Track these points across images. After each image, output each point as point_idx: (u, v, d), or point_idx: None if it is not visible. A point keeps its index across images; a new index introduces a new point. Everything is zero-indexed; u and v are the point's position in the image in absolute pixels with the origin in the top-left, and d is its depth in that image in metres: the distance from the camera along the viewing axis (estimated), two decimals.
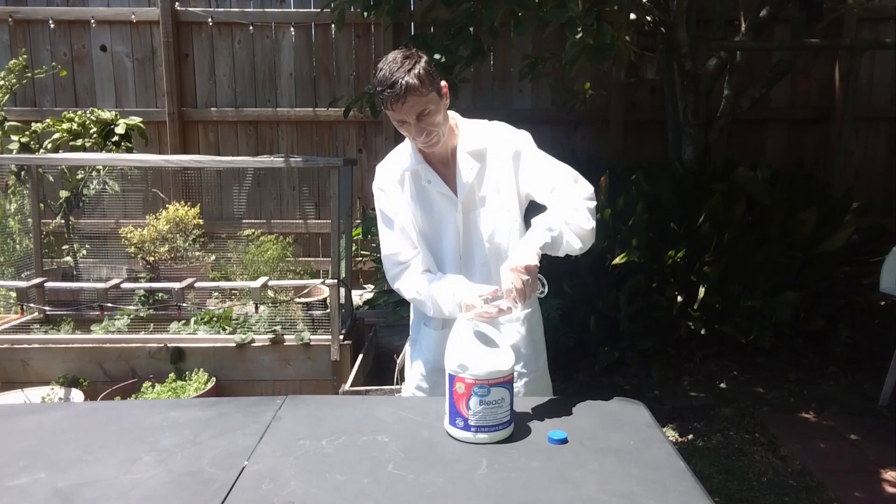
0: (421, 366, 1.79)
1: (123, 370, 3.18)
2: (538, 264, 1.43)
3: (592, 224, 1.58)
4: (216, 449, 1.31)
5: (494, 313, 1.46)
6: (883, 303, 4.04)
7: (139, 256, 3.97)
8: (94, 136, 3.96)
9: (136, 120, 4.12)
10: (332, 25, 4.81)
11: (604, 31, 2.69)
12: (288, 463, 1.25)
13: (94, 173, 4.03)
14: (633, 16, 4.10)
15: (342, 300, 3.28)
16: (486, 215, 1.65)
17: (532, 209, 1.68)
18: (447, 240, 1.69)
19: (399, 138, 1.58)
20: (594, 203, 1.62)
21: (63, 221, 4.03)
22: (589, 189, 1.63)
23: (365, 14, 3.61)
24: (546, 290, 1.48)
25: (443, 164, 1.67)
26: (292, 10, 5.18)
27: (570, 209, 1.56)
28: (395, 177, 1.70)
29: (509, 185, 1.65)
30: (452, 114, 1.66)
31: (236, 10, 5.14)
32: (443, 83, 1.56)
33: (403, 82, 1.46)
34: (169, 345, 3.18)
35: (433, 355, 1.74)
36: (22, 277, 3.68)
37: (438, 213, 1.68)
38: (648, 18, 4.16)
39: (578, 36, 2.67)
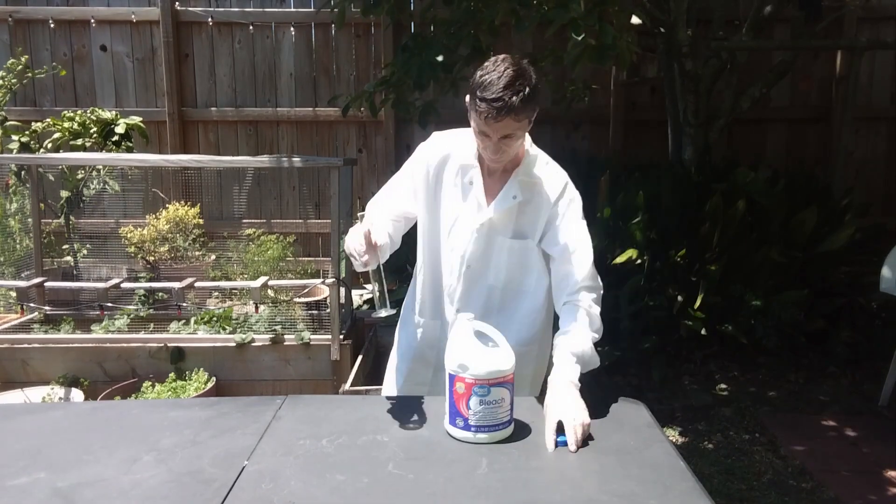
0: (397, 356, 1.85)
1: (123, 370, 3.18)
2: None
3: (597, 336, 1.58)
4: (216, 449, 1.31)
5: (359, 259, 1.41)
6: (883, 303, 4.03)
7: (139, 256, 3.96)
8: (95, 135, 3.96)
9: (136, 120, 4.11)
10: (332, 25, 4.81)
11: (605, 31, 2.69)
12: (288, 463, 1.25)
13: (94, 173, 4.03)
14: (637, 20, 4.10)
15: (342, 300, 3.28)
16: (513, 248, 1.62)
17: None
18: (458, 244, 1.65)
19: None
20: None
21: (63, 221, 4.03)
22: (600, 286, 1.64)
23: (365, 14, 3.61)
24: (391, 312, 1.45)
25: (488, 172, 1.62)
26: (292, 9, 5.18)
27: (587, 323, 1.56)
28: (444, 157, 1.64)
29: (541, 230, 1.62)
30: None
31: (236, 9, 5.13)
32: (537, 109, 1.50)
33: (509, 101, 1.39)
34: (169, 344, 3.18)
35: (415, 341, 1.78)
36: (22, 277, 3.68)
37: (463, 213, 1.64)
38: (649, 18, 4.17)
39: (581, 37, 2.67)
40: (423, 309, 1.75)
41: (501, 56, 1.47)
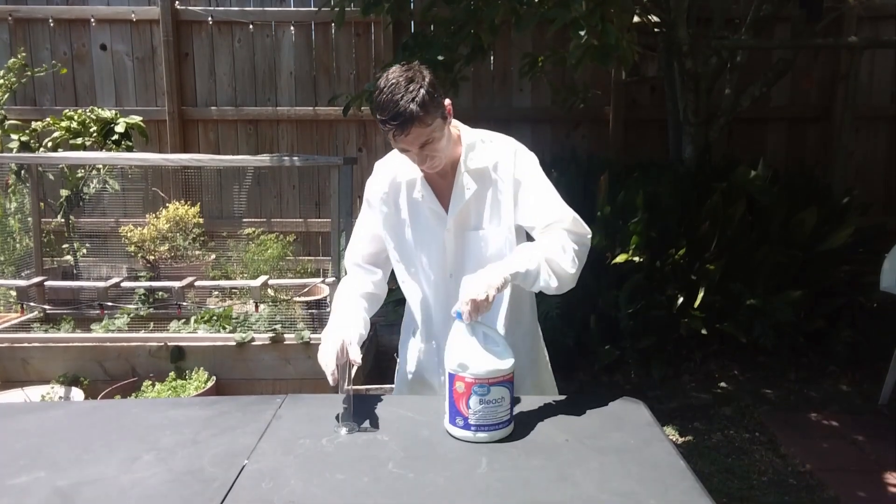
0: (403, 374, 1.80)
1: (124, 369, 3.18)
2: (497, 291, 1.37)
3: (575, 269, 1.50)
4: (216, 448, 1.31)
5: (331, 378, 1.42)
6: (883, 303, 4.04)
7: (139, 255, 3.97)
8: (94, 134, 3.96)
9: (136, 119, 4.11)
10: (332, 24, 4.81)
11: (608, 31, 2.69)
12: (288, 462, 1.25)
13: (94, 172, 4.03)
14: (638, 20, 4.09)
15: None
16: (485, 238, 1.58)
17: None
18: (432, 257, 1.61)
19: None
20: (587, 248, 1.55)
21: (63, 220, 4.03)
22: (585, 233, 1.56)
23: (365, 13, 3.61)
24: (353, 430, 1.39)
25: (440, 175, 1.58)
26: (292, 8, 5.17)
27: (558, 247, 1.49)
28: (392, 181, 1.62)
29: (509, 209, 1.57)
30: (454, 122, 1.58)
31: (236, 9, 5.13)
32: (446, 102, 1.47)
33: (407, 113, 1.36)
34: (169, 343, 3.18)
35: (413, 367, 1.75)
36: (22, 276, 3.68)
37: (425, 227, 1.60)
38: (651, 18, 4.16)
39: (583, 37, 2.66)
40: (418, 334, 1.72)
41: (390, 70, 1.44)
